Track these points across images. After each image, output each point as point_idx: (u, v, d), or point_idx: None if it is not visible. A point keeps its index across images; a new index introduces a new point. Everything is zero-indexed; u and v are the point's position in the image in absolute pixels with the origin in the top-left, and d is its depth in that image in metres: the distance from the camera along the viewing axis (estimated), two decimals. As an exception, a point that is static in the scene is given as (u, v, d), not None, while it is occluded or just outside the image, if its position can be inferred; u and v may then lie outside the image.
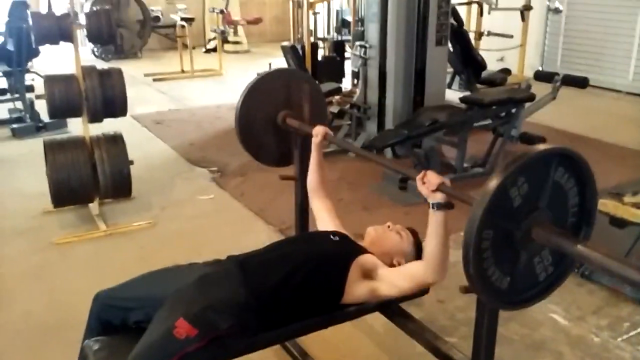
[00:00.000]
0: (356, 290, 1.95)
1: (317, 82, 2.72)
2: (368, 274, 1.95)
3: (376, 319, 2.40)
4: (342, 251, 2.05)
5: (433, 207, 1.67)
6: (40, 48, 5.95)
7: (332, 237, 2.14)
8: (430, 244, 1.72)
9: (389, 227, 2.17)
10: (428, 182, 1.66)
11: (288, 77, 2.59)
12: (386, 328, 2.52)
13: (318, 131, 2.30)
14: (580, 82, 5.49)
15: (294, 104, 2.50)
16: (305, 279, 1.93)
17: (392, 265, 2.06)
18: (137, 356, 1.70)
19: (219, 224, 4.10)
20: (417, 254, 2.15)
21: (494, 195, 1.34)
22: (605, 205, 3.08)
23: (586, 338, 2.80)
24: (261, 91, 2.47)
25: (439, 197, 1.65)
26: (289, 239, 2.33)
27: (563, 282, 1.61)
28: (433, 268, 1.75)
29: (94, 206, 4.07)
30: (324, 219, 2.32)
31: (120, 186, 3.95)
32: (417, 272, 1.84)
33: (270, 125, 2.50)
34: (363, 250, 2.05)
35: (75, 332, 2.30)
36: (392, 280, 1.92)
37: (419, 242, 2.15)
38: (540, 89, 5.32)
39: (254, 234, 3.85)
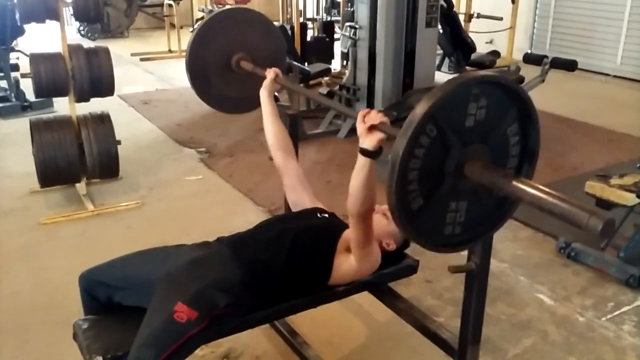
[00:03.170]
0: (342, 265, 1.96)
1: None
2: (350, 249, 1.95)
3: (365, 299, 2.41)
4: (329, 227, 2.07)
5: (360, 151, 1.62)
6: (25, 27, 5.84)
7: (318, 214, 2.16)
8: (352, 182, 1.69)
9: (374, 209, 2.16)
10: (368, 119, 1.58)
11: (241, 17, 2.36)
12: (374, 307, 2.53)
13: (269, 72, 2.23)
14: (569, 65, 5.50)
15: (249, 46, 2.31)
16: (296, 255, 1.94)
17: (381, 248, 2.07)
18: (142, 345, 1.67)
19: (207, 204, 4.09)
20: None
21: (419, 126, 1.20)
22: (592, 187, 3.11)
23: (571, 318, 2.84)
24: (212, 34, 2.25)
25: (368, 141, 1.58)
26: (277, 217, 2.33)
27: (502, 225, 1.48)
28: (354, 206, 1.71)
29: (81, 186, 4.05)
30: (299, 192, 2.26)
31: (107, 166, 3.92)
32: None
33: (226, 69, 2.31)
34: (348, 226, 2.06)
35: (63, 312, 2.31)
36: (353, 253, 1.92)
37: None
38: (529, 72, 5.34)
39: (242, 215, 3.84)
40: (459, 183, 1.32)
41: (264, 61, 2.31)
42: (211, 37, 2.25)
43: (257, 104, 2.32)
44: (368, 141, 1.58)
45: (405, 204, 1.25)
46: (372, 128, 1.58)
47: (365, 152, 1.61)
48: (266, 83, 2.25)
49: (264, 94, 2.26)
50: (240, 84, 2.32)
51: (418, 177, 1.25)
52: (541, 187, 1.20)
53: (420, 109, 1.19)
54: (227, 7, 2.39)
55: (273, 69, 2.25)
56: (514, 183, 1.22)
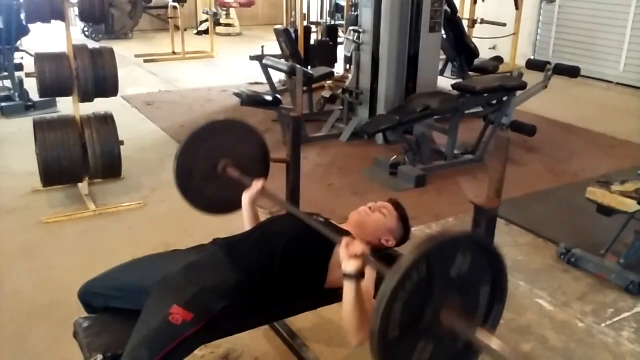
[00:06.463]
0: (337, 272, 1.95)
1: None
2: None
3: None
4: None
5: (345, 276, 1.67)
6: (30, 26, 5.87)
7: (315, 217, 2.15)
8: (345, 313, 1.70)
9: (370, 208, 2.17)
10: (352, 248, 1.66)
11: (227, 128, 2.45)
12: (374, 311, 2.53)
13: (257, 183, 2.26)
14: (572, 72, 5.53)
15: (235, 153, 2.39)
16: (290, 259, 1.95)
17: (381, 245, 2.08)
18: (136, 347, 1.68)
19: (209, 206, 4.09)
20: (404, 226, 2.17)
21: (415, 261, 1.30)
22: (594, 193, 3.12)
23: (571, 323, 2.84)
24: (200, 142, 2.32)
25: (352, 267, 1.65)
26: (273, 219, 2.33)
27: None
28: (350, 334, 1.70)
29: (83, 186, 4.06)
30: None
31: (110, 166, 3.93)
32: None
33: (213, 175, 2.37)
34: (344, 232, 2.06)
35: (64, 311, 2.31)
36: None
37: (404, 214, 2.17)
38: (532, 78, 5.35)
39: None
40: (433, 325, 1.40)
41: (248, 169, 2.39)
42: (204, 140, 2.33)
43: (232, 209, 2.38)
44: (351, 266, 1.65)
45: (385, 330, 1.33)
46: (354, 256, 1.65)
47: (349, 276, 1.66)
48: (251, 192, 2.26)
49: (246, 200, 2.28)
50: (220, 188, 2.38)
51: (401, 309, 1.33)
52: (507, 347, 1.28)
53: (419, 248, 1.30)
54: (222, 118, 2.47)
55: (261, 180, 2.28)
56: (483, 339, 1.31)
